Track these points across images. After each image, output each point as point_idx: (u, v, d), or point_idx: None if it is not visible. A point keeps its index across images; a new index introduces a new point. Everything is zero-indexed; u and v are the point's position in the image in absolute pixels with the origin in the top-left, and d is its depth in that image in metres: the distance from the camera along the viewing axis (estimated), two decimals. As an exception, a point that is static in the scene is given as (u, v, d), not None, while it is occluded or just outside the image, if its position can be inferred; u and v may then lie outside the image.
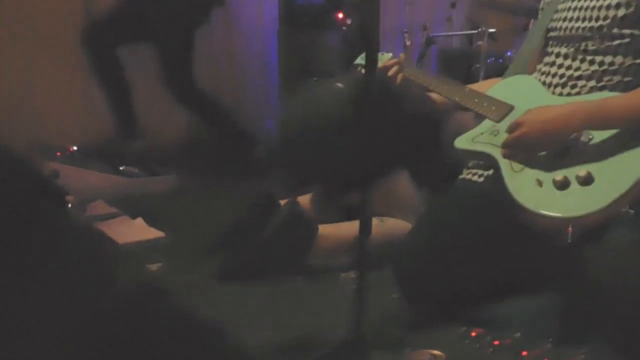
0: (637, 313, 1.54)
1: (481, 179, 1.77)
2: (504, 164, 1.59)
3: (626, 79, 1.61)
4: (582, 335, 1.47)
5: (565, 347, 1.45)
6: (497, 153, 1.63)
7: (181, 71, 3.37)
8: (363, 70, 2.06)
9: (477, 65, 3.87)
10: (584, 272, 1.49)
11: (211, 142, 3.60)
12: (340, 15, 3.83)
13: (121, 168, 3.11)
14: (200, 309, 1.63)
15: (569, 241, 1.38)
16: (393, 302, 1.76)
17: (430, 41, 4.38)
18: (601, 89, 1.63)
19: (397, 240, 1.96)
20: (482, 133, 1.72)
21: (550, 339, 1.48)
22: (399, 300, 1.75)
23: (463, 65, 4.21)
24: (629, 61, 1.61)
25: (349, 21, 3.86)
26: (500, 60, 3.90)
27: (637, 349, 1.46)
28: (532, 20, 3.55)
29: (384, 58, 2.07)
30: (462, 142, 1.74)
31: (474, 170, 1.81)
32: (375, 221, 2.13)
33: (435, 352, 1.21)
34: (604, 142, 1.50)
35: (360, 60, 2.15)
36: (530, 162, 1.55)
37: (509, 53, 3.87)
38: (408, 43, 4.66)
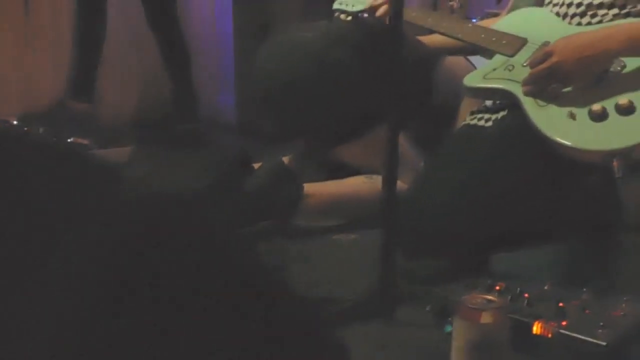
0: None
1: (489, 124, 1.61)
2: (527, 100, 1.45)
3: None
4: (622, 283, 1.34)
5: (605, 297, 1.30)
6: (515, 89, 1.49)
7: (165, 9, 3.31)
8: (343, 16, 1.93)
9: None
10: (621, 211, 1.35)
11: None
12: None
13: (69, 140, 2.84)
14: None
15: (618, 176, 1.24)
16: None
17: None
18: (625, 16, 1.50)
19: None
20: (494, 69, 1.57)
21: (585, 289, 1.33)
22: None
23: None
24: None
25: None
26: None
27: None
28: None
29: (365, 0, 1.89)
30: (473, 80, 1.59)
31: (480, 115, 1.65)
32: (364, 179, 1.99)
33: (489, 296, 1.04)
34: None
35: (338, 4, 1.94)
36: (559, 96, 1.40)
37: None
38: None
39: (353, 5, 1.87)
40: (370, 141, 1.97)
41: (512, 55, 1.57)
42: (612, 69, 1.40)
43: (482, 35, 1.64)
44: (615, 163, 1.28)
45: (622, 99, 1.34)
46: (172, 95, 3.43)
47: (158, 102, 3.64)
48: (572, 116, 1.37)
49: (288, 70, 1.89)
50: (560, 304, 1.27)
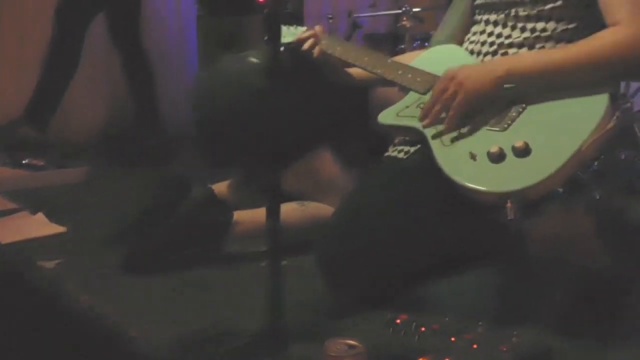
0: (573, 291, 1.47)
1: (403, 156, 1.65)
2: (433, 139, 1.48)
3: (559, 45, 1.52)
4: (516, 317, 1.37)
5: (497, 331, 1.34)
6: (420, 125, 1.52)
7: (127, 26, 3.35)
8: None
9: (402, 46, 3.79)
10: (517, 248, 1.39)
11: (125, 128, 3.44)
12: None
13: (24, 162, 2.87)
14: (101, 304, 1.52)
15: (510, 217, 1.27)
16: (316, 290, 1.63)
17: (356, 25, 4.28)
18: None
19: (320, 225, 1.85)
20: (407, 107, 1.61)
21: (481, 323, 1.36)
22: (323, 287, 1.62)
23: (389, 48, 4.12)
24: (561, 26, 1.52)
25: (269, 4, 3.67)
26: (427, 44, 3.83)
27: (573, 325, 1.38)
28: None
29: (297, 31, 1.94)
30: (386, 117, 1.62)
31: (399, 147, 1.69)
32: (295, 205, 2.02)
33: (352, 342, 1.07)
34: (540, 111, 1.41)
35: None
36: (461, 134, 1.45)
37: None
38: (332, 24, 4.55)
39: (284, 37, 1.91)
40: (303, 168, 2.02)
41: (423, 93, 1.60)
42: (511, 112, 1.43)
43: (399, 72, 1.67)
44: (509, 204, 1.30)
45: (519, 141, 1.35)
46: (135, 112, 3.46)
47: (120, 119, 3.68)
48: (473, 157, 1.39)
49: (219, 100, 1.93)
50: (452, 339, 1.31)
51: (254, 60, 1.96)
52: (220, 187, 2.19)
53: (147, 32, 3.75)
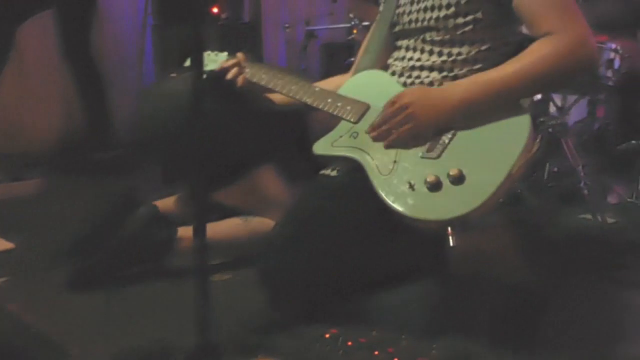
0: (494, 305, 1.55)
1: (335, 173, 1.69)
2: (370, 168, 1.52)
3: (476, 66, 1.59)
4: (439, 330, 1.45)
5: (418, 343, 1.41)
6: (360, 156, 1.55)
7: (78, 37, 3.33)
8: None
9: (352, 59, 3.87)
10: (447, 264, 1.46)
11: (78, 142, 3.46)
12: (215, 10, 3.73)
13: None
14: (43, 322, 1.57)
15: (452, 244, 1.34)
16: (254, 305, 1.69)
17: (311, 35, 4.37)
18: (454, 78, 1.59)
19: (263, 240, 1.91)
20: (340, 136, 1.64)
21: (404, 337, 1.44)
22: (264, 303, 1.68)
23: (344, 58, 4.21)
24: (475, 49, 1.58)
25: (224, 15, 3.76)
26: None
27: (493, 337, 1.46)
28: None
29: (219, 58, 1.96)
30: (321, 148, 1.65)
31: (333, 166, 1.75)
32: (239, 221, 2.08)
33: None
34: (469, 136, 1.47)
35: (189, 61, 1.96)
36: (397, 162, 1.50)
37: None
38: (289, 35, 4.64)
39: (207, 65, 1.94)
40: (247, 185, 2.08)
41: (356, 122, 1.63)
42: (442, 138, 1.48)
43: (329, 100, 1.69)
44: (449, 232, 1.35)
45: (453, 169, 1.41)
46: (88, 124, 3.47)
47: (73, 131, 3.70)
48: (411, 186, 1.44)
49: (159, 119, 1.98)
50: (376, 352, 1.38)
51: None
52: (168, 202, 2.25)
53: (102, 42, 3.79)
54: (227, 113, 1.94)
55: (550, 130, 2.42)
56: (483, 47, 1.58)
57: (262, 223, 2.06)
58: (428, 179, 1.42)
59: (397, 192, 1.45)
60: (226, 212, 2.09)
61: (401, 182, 1.46)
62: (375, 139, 1.55)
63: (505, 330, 1.50)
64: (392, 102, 1.54)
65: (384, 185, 1.48)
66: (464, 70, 1.59)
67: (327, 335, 1.46)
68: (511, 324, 1.53)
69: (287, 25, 4.64)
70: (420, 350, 1.39)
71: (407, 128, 1.49)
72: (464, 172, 1.40)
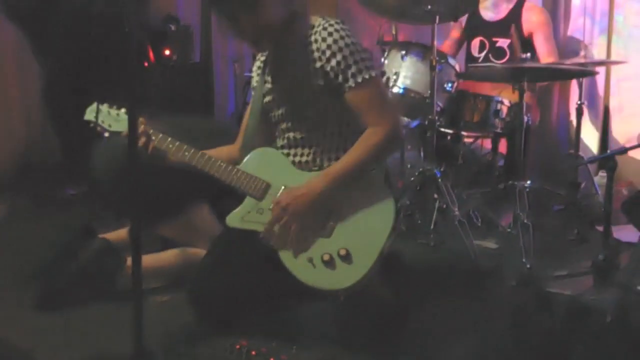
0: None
1: None
2: (276, 246, 1.92)
3: (334, 140, 2.01)
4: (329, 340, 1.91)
5: (310, 351, 1.87)
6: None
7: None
8: (98, 129, 2.11)
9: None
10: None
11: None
12: (167, 52, 4.10)
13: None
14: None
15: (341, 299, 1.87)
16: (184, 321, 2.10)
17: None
18: (329, 151, 2.01)
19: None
20: (249, 212, 1.97)
21: (295, 346, 1.90)
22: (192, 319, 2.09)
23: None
24: (329, 130, 2.00)
25: (175, 57, 4.14)
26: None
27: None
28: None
29: (122, 118, 2.04)
30: (233, 221, 1.98)
31: None
32: (177, 251, 2.52)
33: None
34: (352, 221, 1.89)
35: (91, 115, 2.10)
36: (301, 245, 1.90)
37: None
38: (238, 72, 5.04)
39: (110, 125, 2.08)
40: (184, 220, 2.51)
41: (259, 199, 1.96)
42: (331, 222, 1.90)
43: (235, 176, 1.98)
44: (341, 297, 1.87)
45: (342, 250, 1.85)
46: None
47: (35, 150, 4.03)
48: (311, 262, 1.88)
49: (107, 166, 2.37)
50: (272, 359, 1.83)
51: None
52: (122, 233, 2.68)
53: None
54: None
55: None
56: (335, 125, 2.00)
57: (197, 253, 2.49)
58: (324, 258, 1.87)
59: (300, 267, 1.88)
60: (167, 244, 2.53)
61: (303, 258, 1.89)
62: (273, 243, 1.91)
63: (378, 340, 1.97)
64: (275, 209, 1.91)
65: (289, 260, 1.90)
66: (327, 145, 2.01)
67: (238, 346, 1.91)
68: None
69: (235, 59, 5.04)
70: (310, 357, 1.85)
71: (295, 227, 1.89)
72: (350, 250, 1.86)
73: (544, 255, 2.73)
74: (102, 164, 2.46)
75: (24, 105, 4.09)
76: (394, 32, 3.22)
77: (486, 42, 3.66)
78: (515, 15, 3.57)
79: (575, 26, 3.94)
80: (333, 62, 1.89)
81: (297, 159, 2.04)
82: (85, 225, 2.63)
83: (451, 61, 3.10)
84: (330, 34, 1.90)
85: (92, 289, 2.32)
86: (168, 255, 2.48)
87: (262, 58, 2.16)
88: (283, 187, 1.96)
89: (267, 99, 2.09)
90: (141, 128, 2.00)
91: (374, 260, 1.85)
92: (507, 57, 3.58)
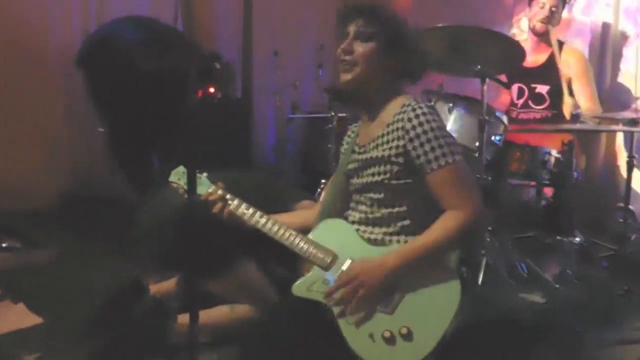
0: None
1: None
2: (339, 316, 1.89)
3: (416, 217, 1.96)
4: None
5: None
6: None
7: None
8: (181, 191, 2.23)
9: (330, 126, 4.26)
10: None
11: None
12: (212, 90, 4.14)
13: (4, 245, 3.30)
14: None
15: None
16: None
17: (296, 107, 4.87)
18: (398, 233, 1.97)
19: (245, 325, 2.38)
20: (314, 282, 1.97)
21: None
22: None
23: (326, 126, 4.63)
24: (412, 202, 1.97)
25: (219, 95, 4.17)
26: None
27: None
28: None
29: (203, 181, 2.16)
30: (299, 290, 1.98)
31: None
32: (226, 309, 2.54)
33: None
34: (416, 300, 1.87)
35: (175, 177, 2.24)
36: (363, 316, 1.87)
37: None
38: (278, 104, 5.10)
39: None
40: (232, 278, 2.54)
41: (326, 270, 1.96)
42: (395, 299, 1.87)
43: (304, 245, 2.00)
44: None
45: (403, 328, 1.81)
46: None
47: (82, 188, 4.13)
48: (372, 337, 1.83)
49: (158, 220, 2.43)
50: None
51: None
52: (169, 285, 2.72)
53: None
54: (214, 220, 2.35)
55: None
56: (410, 206, 1.98)
57: (247, 311, 2.51)
58: (385, 335, 1.84)
59: (360, 342, 1.86)
60: (216, 300, 2.56)
61: (364, 333, 1.87)
62: (331, 305, 1.89)
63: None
64: (343, 275, 1.91)
65: (350, 333, 1.88)
66: (406, 225, 1.98)
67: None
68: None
69: (276, 92, 5.10)
70: None
71: (360, 294, 1.88)
72: (411, 329, 1.83)
73: (593, 312, 2.70)
74: (153, 217, 2.52)
75: (72, 144, 4.20)
76: (440, 83, 3.21)
77: (525, 88, 3.65)
78: (553, 60, 3.55)
79: (626, 74, 3.88)
80: (416, 143, 1.90)
81: (367, 235, 2.03)
82: (136, 278, 2.68)
83: (499, 115, 3.09)
84: (417, 116, 1.91)
85: (141, 346, 2.36)
86: (217, 312, 2.50)
87: (355, 128, 2.19)
88: (350, 261, 1.97)
89: (350, 166, 2.11)
90: (218, 193, 2.12)
91: (437, 342, 1.82)
92: (548, 103, 3.57)
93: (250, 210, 2.11)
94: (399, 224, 1.99)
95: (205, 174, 2.18)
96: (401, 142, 1.93)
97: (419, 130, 1.90)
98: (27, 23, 4.00)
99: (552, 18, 3.54)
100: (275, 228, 2.06)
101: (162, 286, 2.73)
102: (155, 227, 2.53)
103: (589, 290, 2.88)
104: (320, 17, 5.58)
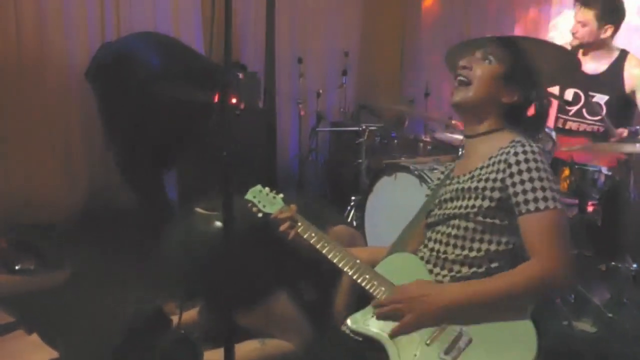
0: None
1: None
2: (393, 354, 1.70)
3: (493, 264, 1.75)
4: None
5: None
6: (383, 338, 1.74)
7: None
8: (255, 209, 2.16)
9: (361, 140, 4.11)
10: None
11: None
12: (234, 100, 3.98)
13: (17, 267, 3.15)
14: None
15: None
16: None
17: (321, 117, 4.70)
18: (484, 274, 1.75)
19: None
20: (372, 315, 1.79)
21: None
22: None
23: (351, 138, 4.47)
24: (493, 247, 1.76)
25: (242, 105, 4.02)
26: (385, 140, 4.23)
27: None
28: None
29: (276, 202, 2.13)
30: (355, 323, 1.80)
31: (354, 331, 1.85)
32: (256, 344, 2.35)
33: None
34: (484, 347, 1.65)
35: (251, 195, 2.20)
36: (419, 358, 1.67)
37: (392, 134, 4.20)
38: (302, 113, 4.93)
39: (264, 206, 2.15)
40: (263, 309, 2.35)
41: None
42: (459, 344, 1.65)
43: (366, 276, 1.84)
44: None
45: None
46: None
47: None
48: None
49: (187, 252, 2.29)
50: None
51: (218, 224, 2.30)
52: (192, 314, 2.54)
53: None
54: (251, 246, 2.21)
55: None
56: (501, 247, 1.77)
57: (279, 345, 2.33)
58: None
59: None
60: (244, 335, 2.37)
61: None
62: (378, 317, 1.75)
63: None
64: (397, 291, 1.76)
65: None
66: (483, 268, 1.77)
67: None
68: None
69: (299, 100, 4.93)
70: None
71: (407, 321, 1.71)
72: None
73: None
74: (181, 242, 2.38)
75: (89, 159, 4.07)
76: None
77: (581, 94, 3.36)
78: (616, 69, 3.28)
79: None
80: (517, 179, 1.72)
81: (433, 277, 1.83)
82: (159, 307, 2.51)
83: (548, 131, 2.87)
84: (524, 152, 1.73)
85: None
86: (247, 348, 2.32)
87: (450, 165, 2.05)
88: None
89: (437, 200, 1.93)
90: (289, 213, 2.06)
91: None
92: (602, 114, 3.32)
93: (317, 235, 2.00)
94: (473, 269, 1.78)
95: (281, 195, 2.17)
96: (500, 176, 1.74)
97: (523, 166, 1.71)
98: (45, 38, 3.90)
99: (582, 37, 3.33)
100: (339, 255, 1.92)
101: (183, 316, 2.55)
102: (183, 253, 2.37)
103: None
104: (345, 23, 5.45)
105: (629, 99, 3.26)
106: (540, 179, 1.70)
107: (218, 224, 2.32)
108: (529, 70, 1.90)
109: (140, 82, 3.32)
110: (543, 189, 1.69)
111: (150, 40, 3.85)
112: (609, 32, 3.26)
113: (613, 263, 2.63)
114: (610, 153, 3.05)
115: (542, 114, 1.97)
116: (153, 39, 3.87)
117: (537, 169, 1.71)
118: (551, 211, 1.68)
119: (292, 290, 2.41)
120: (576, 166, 2.92)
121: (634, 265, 2.61)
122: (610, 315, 2.72)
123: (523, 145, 1.74)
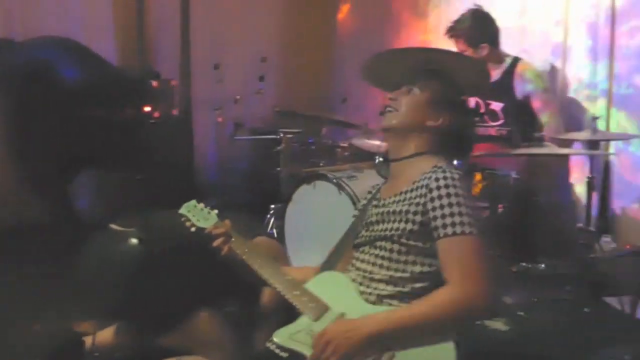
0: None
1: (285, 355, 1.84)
2: None
3: (417, 284, 1.80)
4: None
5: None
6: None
7: None
8: (188, 224, 2.16)
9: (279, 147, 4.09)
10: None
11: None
12: (148, 109, 3.90)
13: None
14: None
15: None
16: None
17: (239, 124, 4.68)
18: (397, 294, 1.81)
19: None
20: (299, 331, 1.82)
21: None
22: None
23: (270, 145, 4.45)
24: (417, 268, 1.81)
25: (157, 114, 3.95)
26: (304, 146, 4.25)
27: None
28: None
29: (211, 217, 2.15)
30: (280, 337, 1.82)
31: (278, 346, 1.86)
32: (174, 360, 2.32)
33: None
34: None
35: (185, 210, 2.21)
36: None
37: (310, 140, 4.22)
38: (220, 120, 4.88)
39: (198, 221, 2.16)
40: (185, 327, 2.33)
41: (315, 320, 1.81)
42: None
43: (295, 293, 1.87)
44: None
45: None
46: None
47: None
48: None
49: (101, 268, 2.26)
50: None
51: (134, 241, 2.26)
52: (106, 334, 2.48)
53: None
54: (173, 264, 2.19)
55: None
56: (425, 268, 1.81)
57: (196, 363, 2.30)
58: None
59: None
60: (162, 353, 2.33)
61: None
62: None
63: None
64: (318, 338, 1.75)
65: None
66: (408, 288, 1.81)
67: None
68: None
69: (216, 107, 4.88)
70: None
71: (336, 357, 1.70)
72: None
73: (559, 338, 2.59)
74: (99, 262, 2.34)
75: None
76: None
77: (481, 103, 3.58)
78: (508, 76, 3.50)
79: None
80: (437, 203, 1.77)
81: (364, 293, 1.87)
82: (70, 330, 2.43)
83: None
84: (445, 178, 1.80)
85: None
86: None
87: (373, 189, 2.11)
88: (340, 315, 1.82)
89: (365, 221, 1.98)
90: (225, 228, 2.09)
91: None
92: (502, 121, 3.50)
93: (250, 250, 2.05)
94: (397, 288, 1.82)
95: (216, 211, 2.19)
96: (422, 200, 1.81)
97: (443, 191, 1.77)
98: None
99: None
100: (270, 270, 1.97)
101: (98, 337, 2.48)
102: (97, 271, 2.31)
103: (554, 316, 2.79)
104: (264, 28, 5.42)
105: (524, 105, 3.44)
106: (459, 205, 1.75)
107: (134, 240, 2.28)
108: (451, 91, 2.02)
109: (55, 92, 3.21)
110: (460, 214, 1.74)
111: (64, 47, 3.72)
112: (485, 50, 3.44)
113: (523, 264, 2.74)
114: (518, 157, 3.18)
115: (469, 137, 2.08)
116: (67, 46, 3.75)
117: (456, 195, 1.77)
118: (467, 236, 1.73)
119: (213, 306, 2.39)
120: (486, 171, 3.03)
121: (542, 266, 2.73)
122: (521, 313, 2.83)
123: (444, 171, 1.81)
